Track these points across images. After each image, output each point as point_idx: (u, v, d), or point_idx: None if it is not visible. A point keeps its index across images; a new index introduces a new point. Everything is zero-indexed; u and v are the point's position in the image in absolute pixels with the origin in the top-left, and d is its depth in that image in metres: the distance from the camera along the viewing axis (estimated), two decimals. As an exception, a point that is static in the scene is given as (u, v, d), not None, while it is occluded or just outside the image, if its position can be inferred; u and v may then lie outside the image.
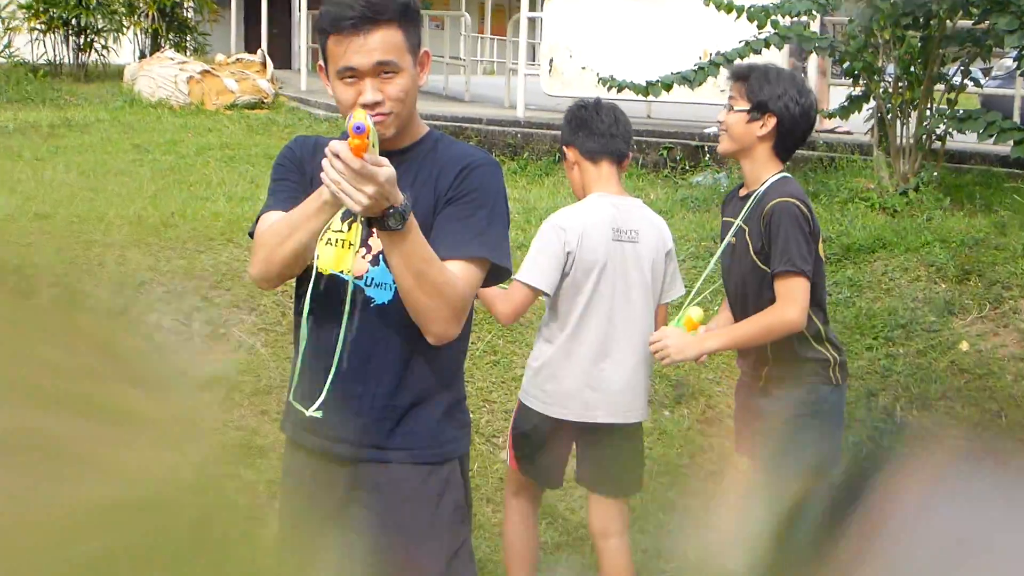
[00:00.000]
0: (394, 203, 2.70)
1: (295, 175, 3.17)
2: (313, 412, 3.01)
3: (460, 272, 2.99)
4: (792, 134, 4.47)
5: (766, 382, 4.51)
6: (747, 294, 4.51)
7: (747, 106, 4.43)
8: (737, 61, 9.17)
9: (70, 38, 18.23)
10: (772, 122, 4.41)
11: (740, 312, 4.56)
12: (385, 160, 2.68)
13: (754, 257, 4.44)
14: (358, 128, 2.60)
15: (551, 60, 14.22)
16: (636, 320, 4.64)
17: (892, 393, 6.92)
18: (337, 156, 2.63)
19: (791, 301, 4.35)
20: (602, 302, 4.55)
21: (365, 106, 2.93)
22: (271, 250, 2.99)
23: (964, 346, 7.22)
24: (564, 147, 4.72)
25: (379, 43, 2.95)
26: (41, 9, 17.65)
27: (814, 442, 4.48)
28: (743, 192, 4.61)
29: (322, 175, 2.69)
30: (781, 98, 4.42)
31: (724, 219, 4.76)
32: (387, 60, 2.96)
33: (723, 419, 6.60)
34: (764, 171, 4.49)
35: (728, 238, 4.59)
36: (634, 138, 4.76)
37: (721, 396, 6.73)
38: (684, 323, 4.40)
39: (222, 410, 5.70)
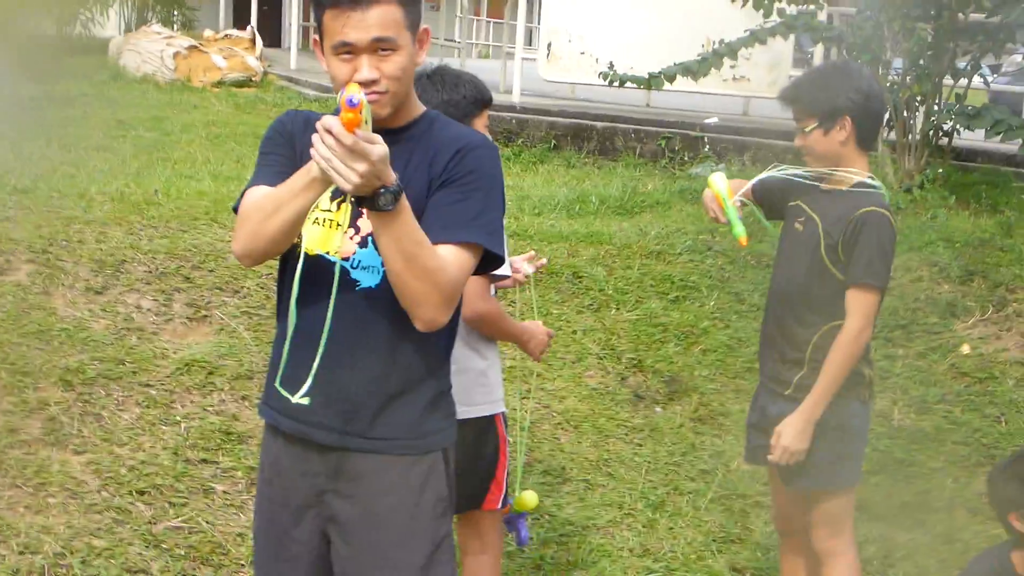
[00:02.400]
0: (386, 183, 2.68)
1: (285, 148, 3.12)
2: (299, 399, 2.97)
3: (452, 257, 2.94)
4: (869, 120, 4.41)
5: (795, 390, 4.43)
6: (798, 287, 4.45)
7: (816, 122, 4.37)
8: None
9: (52, 10, 18.19)
10: (848, 122, 4.37)
11: (779, 301, 4.55)
12: (378, 137, 2.65)
13: (823, 253, 4.38)
14: (351, 102, 2.57)
15: (549, 44, 14.23)
16: None
17: (891, 396, 6.95)
18: (329, 131, 2.60)
19: (864, 317, 4.30)
20: None
21: (361, 84, 2.89)
22: (256, 225, 2.95)
23: (966, 349, 7.24)
24: None
25: (377, 18, 2.91)
26: (24, -22, 17.66)
27: (839, 458, 4.50)
28: (827, 186, 4.47)
29: (312, 150, 2.66)
30: (840, 95, 4.38)
31: (795, 203, 4.56)
32: (385, 36, 2.92)
33: (716, 417, 6.63)
34: (854, 173, 4.42)
35: (795, 224, 4.48)
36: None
37: (714, 394, 6.75)
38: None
39: (201, 395, 5.71)
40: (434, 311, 2.92)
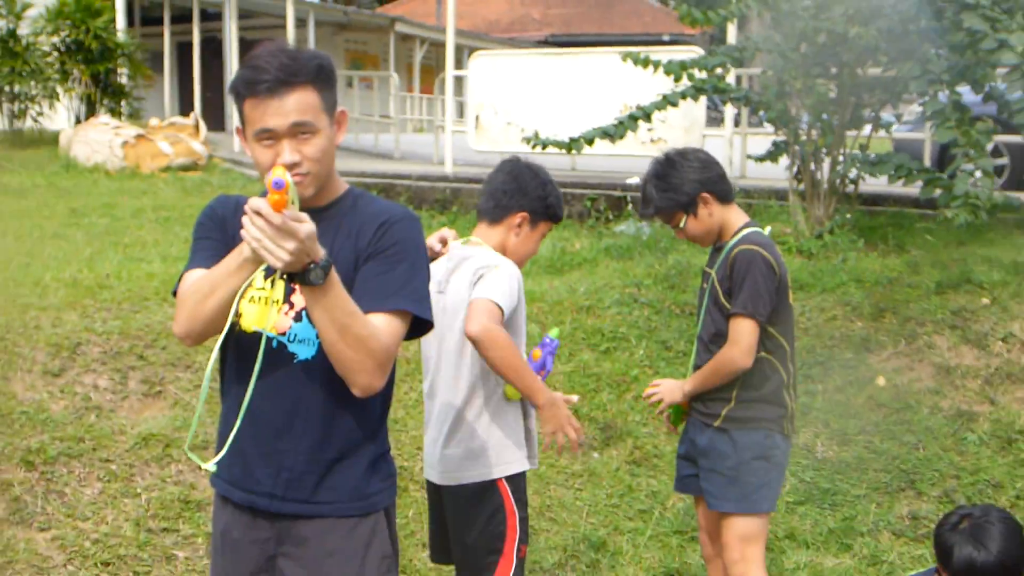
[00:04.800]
0: (315, 258, 2.70)
1: (217, 233, 3.14)
2: (208, 467, 3.00)
3: (384, 325, 2.97)
4: (718, 182, 4.66)
5: (724, 421, 4.61)
6: (711, 334, 4.68)
7: (683, 215, 4.62)
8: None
9: (3, 105, 18.13)
10: (706, 198, 4.62)
11: (703, 346, 4.74)
12: (305, 216, 2.67)
13: (722, 300, 4.61)
14: (277, 184, 2.59)
15: (477, 117, 14.36)
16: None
17: (813, 429, 7.02)
18: (258, 213, 2.61)
19: (734, 342, 4.56)
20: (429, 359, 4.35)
21: (280, 166, 2.90)
22: (193, 307, 2.97)
23: (881, 381, 7.32)
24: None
25: (295, 104, 2.95)
26: (-26, 78, 17.60)
27: (760, 486, 4.62)
28: (718, 243, 4.75)
29: (243, 232, 2.67)
30: (685, 183, 4.62)
31: (705, 270, 4.87)
32: (303, 121, 2.96)
33: (650, 459, 6.68)
34: (733, 225, 4.70)
35: (704, 284, 4.77)
36: (560, 190, 4.70)
37: (647, 437, 6.80)
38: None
39: (160, 467, 5.70)
40: (369, 377, 2.95)
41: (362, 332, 2.89)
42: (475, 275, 4.08)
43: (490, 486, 4.11)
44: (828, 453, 6.85)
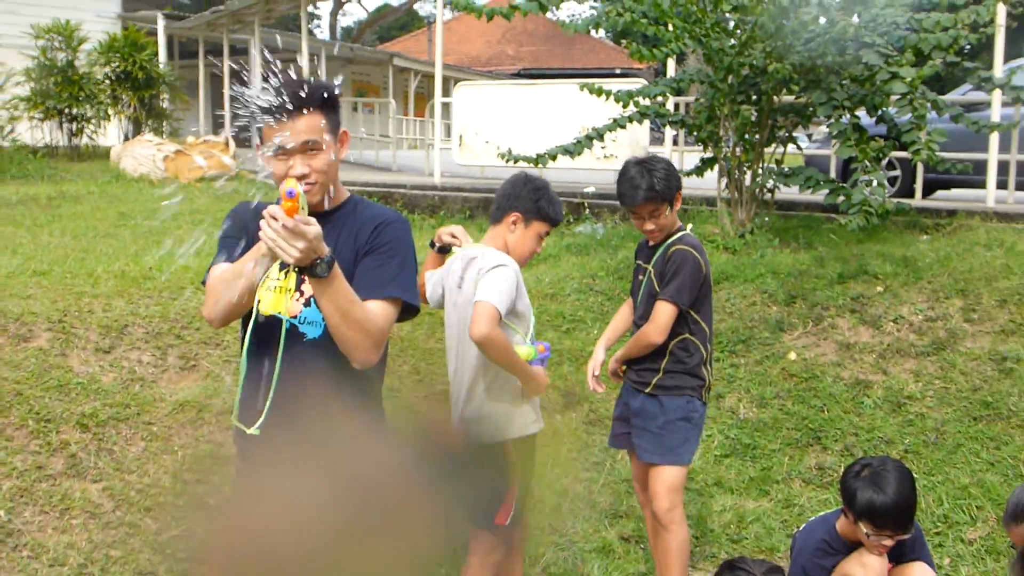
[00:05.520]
0: (321, 255, 2.72)
1: (238, 232, 3.17)
2: (253, 431, 3.03)
3: (379, 309, 2.99)
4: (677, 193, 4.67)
5: (655, 389, 4.66)
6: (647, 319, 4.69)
7: (667, 206, 4.61)
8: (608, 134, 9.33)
9: (64, 125, 18.02)
10: (680, 196, 4.66)
11: (638, 328, 4.76)
12: (313, 220, 2.70)
13: (656, 288, 4.65)
14: (290, 193, 2.64)
15: (461, 136, 14.31)
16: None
17: (737, 395, 7.03)
18: (274, 217, 2.66)
19: (654, 321, 4.60)
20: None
21: (296, 178, 2.95)
22: (219, 295, 3.01)
23: (792, 356, 7.34)
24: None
25: (305, 126, 2.98)
26: (39, 100, 17.45)
27: (685, 441, 4.65)
28: (652, 242, 4.75)
29: (260, 233, 2.70)
30: (675, 178, 4.63)
31: (637, 262, 4.88)
32: (311, 140, 2.99)
33: (603, 420, 6.67)
34: (674, 225, 4.73)
35: (641, 278, 4.78)
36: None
37: (601, 402, 6.79)
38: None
39: (194, 428, 5.66)
40: (367, 353, 2.96)
41: (360, 316, 2.90)
42: (479, 275, 4.09)
43: (499, 447, 4.16)
44: (749, 414, 6.86)
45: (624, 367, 4.88)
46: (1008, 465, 6.08)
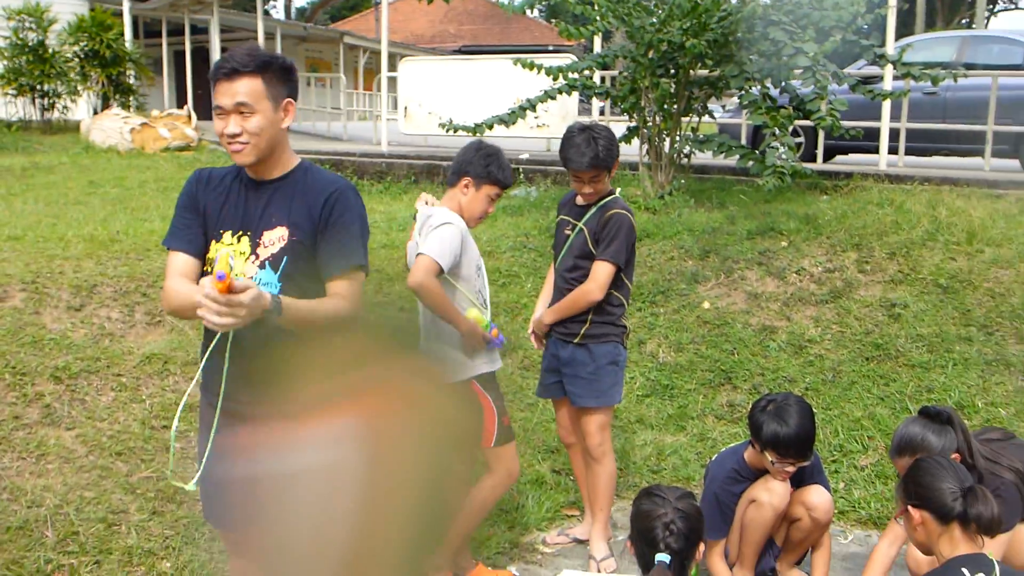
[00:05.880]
0: (266, 306, 2.66)
1: (190, 212, 3.09)
2: (189, 487, 3.08)
3: (346, 288, 2.97)
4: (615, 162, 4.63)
5: (583, 339, 4.65)
6: (578, 272, 4.65)
7: (607, 173, 4.56)
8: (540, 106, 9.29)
9: (36, 100, 17.59)
10: (616, 166, 4.63)
11: (564, 281, 4.71)
12: (247, 284, 2.62)
13: (591, 248, 4.59)
14: (220, 276, 2.57)
15: (406, 108, 14.19)
16: None
17: (657, 341, 7.09)
18: (211, 298, 2.58)
19: (594, 279, 4.59)
20: None
21: (225, 135, 2.93)
22: (175, 309, 3.05)
23: (706, 305, 7.40)
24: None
25: (239, 88, 2.91)
26: (12, 78, 17.03)
27: (614, 384, 4.68)
28: (581, 201, 4.70)
29: (200, 312, 2.60)
30: (611, 147, 4.57)
31: (563, 217, 4.80)
32: (244, 102, 2.91)
33: (536, 366, 6.69)
34: (605, 189, 4.68)
35: (568, 232, 4.70)
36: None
37: (533, 350, 6.80)
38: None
39: (160, 379, 5.60)
40: (349, 325, 2.94)
41: (328, 316, 2.88)
42: (428, 231, 4.09)
43: (465, 384, 4.15)
44: (667, 358, 6.92)
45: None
46: (896, 400, 6.21)
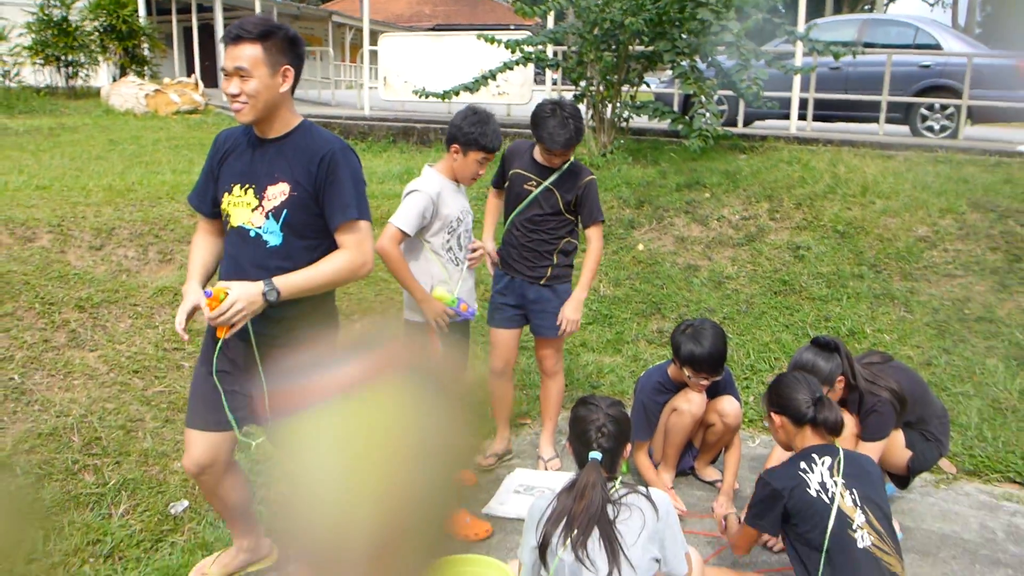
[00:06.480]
0: (261, 293, 2.78)
1: (210, 163, 3.13)
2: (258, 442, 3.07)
3: (349, 239, 2.93)
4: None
5: (549, 280, 4.56)
6: (547, 226, 4.48)
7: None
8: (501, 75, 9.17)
9: (61, 69, 17.15)
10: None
11: (527, 231, 4.49)
12: (226, 287, 2.80)
13: (563, 209, 4.46)
14: (207, 294, 2.78)
15: (385, 78, 13.98)
16: None
17: (598, 278, 7.11)
18: (212, 317, 2.79)
19: (597, 240, 4.51)
20: None
21: (229, 95, 2.88)
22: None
23: (641, 247, 7.44)
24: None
25: (240, 54, 2.84)
26: (39, 49, 16.61)
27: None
28: (541, 160, 4.46)
29: (214, 325, 2.83)
30: (580, 125, 4.38)
31: (520, 171, 4.53)
32: (241, 66, 2.84)
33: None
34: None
35: (530, 188, 4.46)
36: (439, 126, 4.51)
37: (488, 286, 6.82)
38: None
39: (171, 308, 5.56)
40: (362, 274, 2.97)
41: (330, 279, 2.91)
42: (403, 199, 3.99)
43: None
44: (607, 292, 6.96)
45: (499, 260, 4.67)
46: (799, 327, 6.29)
